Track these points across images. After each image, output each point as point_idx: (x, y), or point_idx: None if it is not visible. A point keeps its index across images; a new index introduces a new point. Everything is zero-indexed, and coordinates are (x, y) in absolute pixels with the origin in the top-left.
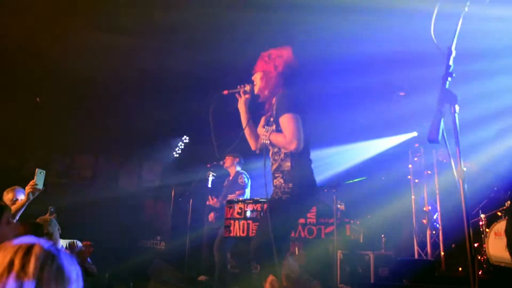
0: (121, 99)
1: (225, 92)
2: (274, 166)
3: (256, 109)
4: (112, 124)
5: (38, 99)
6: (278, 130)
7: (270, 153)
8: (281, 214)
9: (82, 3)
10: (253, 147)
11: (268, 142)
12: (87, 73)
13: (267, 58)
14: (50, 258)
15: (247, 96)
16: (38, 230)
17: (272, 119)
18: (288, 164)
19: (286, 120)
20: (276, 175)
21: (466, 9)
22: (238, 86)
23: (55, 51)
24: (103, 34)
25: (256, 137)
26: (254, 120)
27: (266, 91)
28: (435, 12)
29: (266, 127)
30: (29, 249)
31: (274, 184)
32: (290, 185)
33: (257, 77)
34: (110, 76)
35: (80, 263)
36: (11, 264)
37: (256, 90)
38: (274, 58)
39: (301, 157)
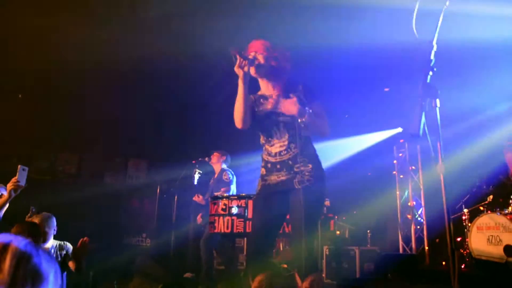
0: (106, 95)
1: (235, 52)
2: (296, 150)
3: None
4: (97, 120)
5: (20, 95)
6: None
7: (283, 137)
8: (318, 204)
9: None
10: (241, 124)
11: (308, 121)
12: (72, 69)
13: (271, 46)
14: (26, 257)
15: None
16: (36, 230)
17: (301, 102)
18: (313, 149)
19: (321, 108)
20: (300, 159)
21: (447, 3)
22: (243, 52)
23: (38, 46)
24: (87, 27)
25: (249, 114)
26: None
27: (271, 74)
28: (417, 7)
29: (307, 108)
30: (4, 247)
31: (297, 170)
32: (320, 170)
33: (259, 57)
34: (95, 72)
35: (78, 261)
36: None
37: (258, 70)
38: (280, 50)
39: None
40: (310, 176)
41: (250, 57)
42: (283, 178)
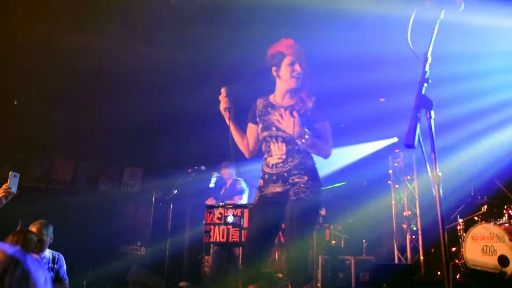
0: (103, 102)
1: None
2: (293, 163)
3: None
4: (93, 127)
5: (16, 101)
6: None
7: (281, 150)
8: (312, 215)
9: (61, 3)
10: (247, 155)
11: (306, 143)
12: (67, 75)
13: (300, 48)
14: (13, 264)
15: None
16: (29, 242)
17: (307, 119)
18: (311, 162)
19: (327, 128)
20: (295, 172)
21: (442, 16)
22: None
23: (34, 52)
24: (85, 35)
25: (252, 145)
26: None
27: (292, 78)
28: (412, 18)
29: (307, 130)
30: None
31: (291, 181)
32: (316, 183)
33: (285, 61)
34: (90, 78)
35: None
36: None
37: (282, 72)
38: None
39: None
40: (305, 188)
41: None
42: (279, 189)
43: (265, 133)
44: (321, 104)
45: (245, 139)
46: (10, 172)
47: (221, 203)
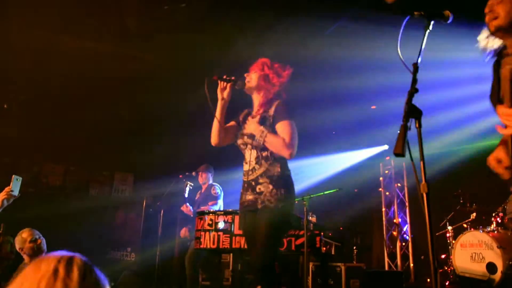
0: (94, 106)
1: (215, 77)
2: (260, 171)
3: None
4: (83, 131)
5: (5, 105)
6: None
7: (252, 156)
8: (277, 223)
9: (51, 6)
10: (214, 141)
11: (262, 142)
12: (58, 80)
13: (269, 64)
14: (88, 269)
15: (229, 89)
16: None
17: (269, 122)
18: (278, 169)
19: (286, 126)
20: (261, 180)
21: (430, 27)
22: (225, 76)
23: (24, 56)
24: (75, 40)
25: (223, 133)
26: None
27: (260, 92)
28: (402, 28)
29: (263, 126)
30: (70, 259)
31: (258, 190)
32: (283, 191)
33: (253, 77)
34: (81, 83)
35: None
36: (56, 271)
37: (247, 88)
38: (276, 68)
39: (287, 164)
40: (270, 196)
41: (246, 76)
42: (250, 197)
43: (240, 141)
44: (285, 105)
45: (220, 128)
46: (13, 176)
47: (211, 210)
